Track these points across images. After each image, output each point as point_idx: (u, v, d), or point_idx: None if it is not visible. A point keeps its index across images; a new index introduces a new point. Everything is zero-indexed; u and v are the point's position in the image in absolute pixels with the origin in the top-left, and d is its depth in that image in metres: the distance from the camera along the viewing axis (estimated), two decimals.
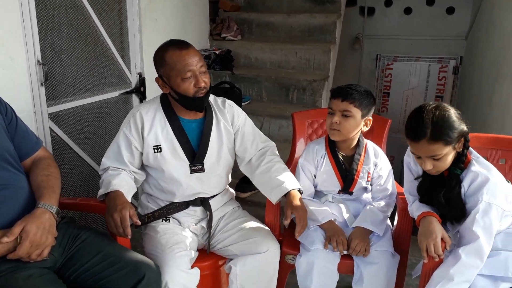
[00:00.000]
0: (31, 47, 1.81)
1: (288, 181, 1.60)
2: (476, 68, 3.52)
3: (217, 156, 1.68)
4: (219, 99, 1.74)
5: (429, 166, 1.39)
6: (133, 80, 2.55)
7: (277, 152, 1.78)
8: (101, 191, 1.51)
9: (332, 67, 3.37)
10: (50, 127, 2.00)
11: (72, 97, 2.13)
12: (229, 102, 1.75)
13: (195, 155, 1.63)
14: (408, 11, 4.28)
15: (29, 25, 1.78)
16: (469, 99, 3.69)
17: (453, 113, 1.38)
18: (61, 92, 2.06)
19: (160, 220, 1.67)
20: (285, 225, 1.52)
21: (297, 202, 1.54)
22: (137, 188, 1.66)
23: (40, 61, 1.86)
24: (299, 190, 1.60)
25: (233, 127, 1.71)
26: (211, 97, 1.72)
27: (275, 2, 3.82)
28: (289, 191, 1.57)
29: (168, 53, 1.51)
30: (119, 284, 1.29)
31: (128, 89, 2.51)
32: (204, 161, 1.64)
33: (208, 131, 1.65)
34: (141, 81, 2.57)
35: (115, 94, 2.42)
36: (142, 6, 2.52)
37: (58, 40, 2.01)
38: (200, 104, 1.59)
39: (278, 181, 1.60)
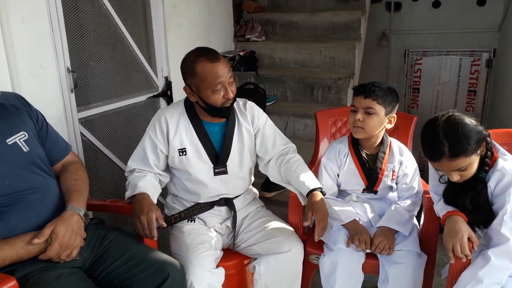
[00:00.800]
0: (60, 55, 1.88)
1: (309, 180, 1.60)
2: (511, 61, 3.38)
3: (239, 158, 1.70)
4: (241, 101, 1.76)
5: (456, 177, 1.34)
6: (160, 84, 2.61)
7: (297, 153, 1.77)
8: (128, 193, 1.56)
9: (358, 65, 3.32)
10: (81, 132, 2.08)
11: (101, 102, 2.21)
12: (250, 103, 1.77)
13: (218, 158, 1.65)
14: (436, 4, 4.15)
15: (58, 34, 1.86)
16: (503, 92, 3.55)
17: (467, 121, 1.32)
18: (90, 97, 2.14)
19: (186, 220, 1.70)
20: (305, 226, 1.51)
21: (318, 203, 1.53)
22: (162, 189, 1.70)
23: (70, 68, 1.94)
24: (321, 191, 1.59)
25: (253, 127, 1.72)
26: None
27: (299, 1, 3.81)
28: (310, 192, 1.56)
29: (199, 65, 1.51)
30: (144, 283, 1.32)
31: (155, 93, 2.57)
32: (227, 164, 1.67)
33: (230, 134, 1.67)
34: (168, 84, 2.63)
35: (142, 98, 2.48)
36: (167, 11, 2.57)
37: (86, 48, 2.09)
38: (226, 112, 1.62)
39: (299, 181, 1.60)
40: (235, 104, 1.72)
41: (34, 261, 1.25)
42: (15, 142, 1.31)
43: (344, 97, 3.04)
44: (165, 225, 1.45)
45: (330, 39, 3.43)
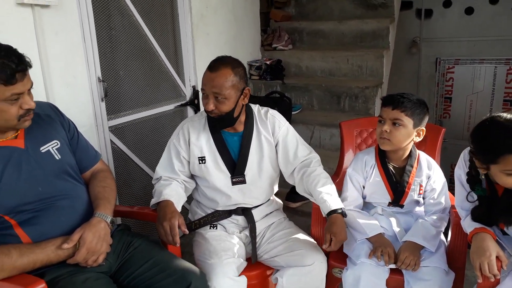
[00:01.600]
0: (92, 65, 1.96)
1: (330, 199, 1.56)
2: None
3: (258, 168, 1.71)
4: (263, 110, 1.76)
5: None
6: (187, 93, 2.66)
7: (320, 164, 1.74)
8: (153, 201, 1.60)
9: (386, 73, 3.27)
10: (110, 139, 2.15)
11: (130, 111, 2.27)
12: (271, 112, 1.76)
13: (235, 167, 1.67)
14: (469, 10, 4.04)
15: (89, 45, 1.93)
16: None
17: None
18: (120, 106, 2.21)
19: (208, 227, 1.72)
20: (325, 249, 1.49)
21: (337, 227, 1.49)
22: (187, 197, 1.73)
23: (101, 78, 2.01)
24: (342, 213, 1.55)
25: (273, 137, 1.72)
26: (255, 108, 1.75)
27: (326, 9, 3.79)
28: (331, 212, 1.54)
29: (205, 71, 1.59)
30: None
31: (183, 102, 2.63)
32: (245, 173, 1.68)
33: (247, 143, 1.69)
34: (195, 93, 2.68)
35: (170, 107, 2.54)
36: (194, 21, 2.62)
37: (116, 58, 2.16)
38: (210, 123, 1.64)
39: (320, 199, 1.57)
40: (256, 113, 1.73)
41: (63, 264, 1.29)
42: (48, 150, 1.37)
43: (371, 106, 3.00)
44: (187, 231, 1.48)
45: (357, 48, 3.39)
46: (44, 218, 1.31)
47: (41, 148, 1.36)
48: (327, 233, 1.49)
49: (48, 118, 1.43)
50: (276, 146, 1.73)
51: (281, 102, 2.95)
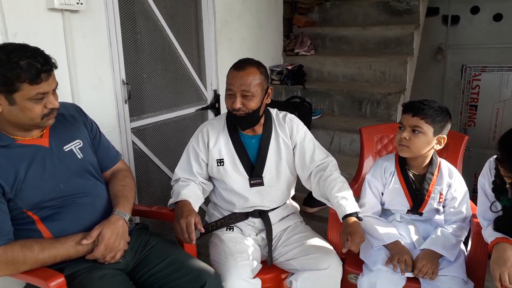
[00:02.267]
0: (117, 68, 2.01)
1: (346, 203, 1.55)
2: None
3: (276, 170, 1.72)
4: (281, 114, 1.78)
5: None
6: (209, 96, 2.70)
7: (336, 168, 1.73)
8: (171, 201, 1.63)
9: (409, 80, 3.22)
10: (132, 141, 2.19)
11: (152, 113, 2.32)
12: (289, 116, 1.78)
13: (254, 169, 1.68)
14: (497, 17, 3.95)
15: (115, 49, 1.99)
16: None
17: None
18: (143, 108, 2.26)
19: (225, 228, 1.74)
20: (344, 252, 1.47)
21: (352, 226, 1.47)
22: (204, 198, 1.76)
23: (125, 80, 2.06)
24: (358, 217, 1.53)
25: (291, 140, 1.73)
26: (274, 112, 1.77)
27: (350, 15, 3.78)
28: (346, 216, 1.53)
29: (229, 70, 1.63)
30: None
31: (204, 105, 2.66)
32: (263, 175, 1.69)
33: (266, 145, 1.70)
34: (216, 97, 2.71)
35: (192, 110, 2.58)
36: (218, 27, 2.66)
37: (140, 62, 2.21)
38: (237, 122, 1.66)
39: (336, 203, 1.56)
40: (275, 116, 1.75)
41: (82, 260, 1.33)
42: (71, 149, 1.42)
43: (394, 113, 2.96)
44: (203, 230, 1.49)
45: (381, 54, 3.37)
46: (65, 215, 1.35)
47: (65, 147, 1.40)
48: (343, 234, 1.48)
49: (72, 118, 1.48)
50: (293, 149, 1.74)
51: (301, 107, 2.95)
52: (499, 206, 1.41)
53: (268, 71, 3.35)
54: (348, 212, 1.52)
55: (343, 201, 1.55)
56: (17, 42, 1.27)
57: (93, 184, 1.45)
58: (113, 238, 1.34)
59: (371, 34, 3.46)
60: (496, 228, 1.40)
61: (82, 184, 1.41)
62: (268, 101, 1.68)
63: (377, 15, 3.66)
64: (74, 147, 1.42)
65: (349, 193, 1.60)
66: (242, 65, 1.60)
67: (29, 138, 1.33)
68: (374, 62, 3.22)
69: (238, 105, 1.58)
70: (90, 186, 1.44)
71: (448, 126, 1.57)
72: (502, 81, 3.99)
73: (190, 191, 1.64)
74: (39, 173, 1.31)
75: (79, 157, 1.43)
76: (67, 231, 1.33)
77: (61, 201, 1.35)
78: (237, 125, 1.68)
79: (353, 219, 1.51)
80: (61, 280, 1.19)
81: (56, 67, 1.28)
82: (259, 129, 1.70)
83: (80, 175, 1.41)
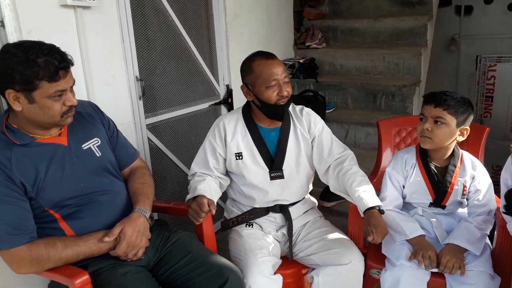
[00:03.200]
0: (130, 64, 2.00)
1: (367, 197, 1.52)
2: None
3: (296, 163, 1.70)
4: (297, 107, 1.76)
5: None
6: (221, 91, 2.68)
7: (355, 162, 1.70)
8: (189, 196, 1.61)
9: (424, 72, 3.17)
10: (148, 137, 2.19)
11: (166, 109, 2.31)
12: (306, 110, 1.76)
13: (273, 162, 1.66)
14: None
15: (128, 45, 1.98)
16: None
17: None
18: (157, 104, 2.25)
19: (244, 224, 1.72)
20: (369, 241, 1.45)
21: (375, 219, 1.45)
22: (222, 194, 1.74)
23: (138, 77, 2.05)
24: (379, 210, 1.50)
25: (309, 134, 1.71)
26: (290, 105, 1.74)
27: (361, 7, 3.72)
28: (368, 209, 1.50)
29: (255, 62, 1.59)
30: (204, 285, 1.36)
31: (217, 101, 2.65)
32: (283, 168, 1.67)
33: (285, 138, 1.68)
34: (229, 92, 2.69)
35: (205, 105, 2.56)
36: (229, 21, 2.64)
37: (153, 58, 2.20)
38: (281, 112, 1.63)
39: (357, 197, 1.54)
40: (291, 110, 1.73)
41: (105, 257, 1.33)
42: (90, 147, 1.41)
43: (409, 105, 2.91)
44: (213, 211, 1.46)
45: (394, 45, 3.32)
46: (86, 212, 1.35)
47: (83, 145, 1.40)
48: (366, 226, 1.46)
49: (89, 117, 1.47)
50: (311, 143, 1.72)
51: (314, 101, 2.92)
52: None
53: None
54: (370, 205, 1.50)
55: (364, 194, 1.53)
56: (31, 39, 1.26)
57: (112, 182, 1.44)
58: (135, 236, 1.33)
59: (383, 26, 3.41)
60: (507, 203, 1.35)
61: (101, 182, 1.41)
62: None
63: (389, 7, 3.60)
64: (93, 145, 1.42)
65: (369, 187, 1.57)
66: (270, 54, 1.62)
67: (48, 136, 1.32)
68: (388, 54, 3.17)
69: (287, 92, 1.59)
70: (109, 184, 1.43)
71: (471, 118, 1.54)
72: None
73: (206, 186, 1.62)
74: (59, 172, 1.30)
75: (98, 155, 1.42)
76: (89, 228, 1.33)
77: (81, 200, 1.34)
78: (276, 116, 1.64)
79: (375, 211, 1.48)
80: (85, 277, 1.19)
81: (72, 64, 1.27)
82: (277, 121, 1.68)
83: (99, 174, 1.41)
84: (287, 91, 1.59)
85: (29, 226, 1.22)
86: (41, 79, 1.18)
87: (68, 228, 1.31)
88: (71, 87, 1.29)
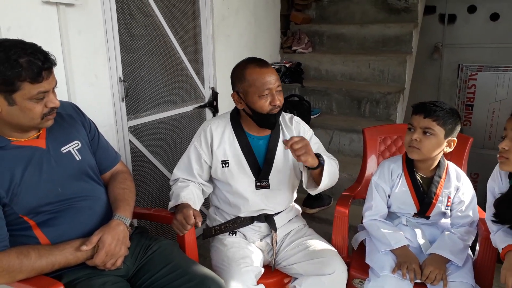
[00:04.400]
0: (113, 65, 1.94)
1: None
2: None
3: (282, 173, 1.67)
4: (287, 116, 1.74)
5: None
6: (207, 94, 2.64)
7: (337, 167, 1.71)
8: (171, 203, 1.57)
9: (408, 79, 3.20)
10: (129, 140, 2.13)
11: (150, 111, 2.25)
12: (296, 119, 1.74)
13: (260, 171, 1.64)
14: (494, 17, 3.95)
15: (112, 44, 1.92)
16: None
17: None
18: (140, 106, 2.19)
19: (227, 233, 1.69)
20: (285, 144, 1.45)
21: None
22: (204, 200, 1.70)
23: (122, 78, 1.99)
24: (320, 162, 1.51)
25: None
26: None
27: (348, 13, 3.74)
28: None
29: (248, 70, 1.55)
30: None
31: (202, 103, 2.60)
32: (270, 178, 1.64)
33: (274, 147, 1.65)
34: (214, 95, 2.65)
35: (189, 108, 2.51)
36: (216, 23, 2.60)
37: (137, 58, 2.14)
38: (273, 121, 1.60)
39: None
40: (281, 118, 1.70)
41: (81, 267, 1.28)
42: (69, 150, 1.35)
43: (393, 112, 2.93)
44: (200, 224, 1.43)
45: (380, 52, 3.34)
46: (63, 219, 1.29)
47: (62, 149, 1.34)
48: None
49: (69, 118, 1.42)
50: None
51: (300, 106, 2.91)
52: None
53: None
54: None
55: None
56: (11, 37, 1.21)
57: (92, 187, 1.39)
58: (114, 244, 1.28)
59: (369, 32, 3.43)
60: (496, 215, 1.37)
61: (81, 187, 1.35)
62: None
63: (375, 13, 3.63)
64: (72, 148, 1.36)
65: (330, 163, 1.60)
66: (264, 62, 1.58)
67: (25, 139, 1.26)
68: (373, 60, 3.19)
69: (279, 101, 1.55)
70: (89, 189, 1.38)
71: (458, 129, 1.55)
72: (498, 80, 4.01)
73: (190, 193, 1.58)
74: (35, 176, 1.24)
75: (77, 159, 1.36)
76: (65, 236, 1.28)
77: (58, 206, 1.28)
78: (268, 124, 1.61)
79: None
80: None
81: (55, 64, 1.22)
82: (265, 130, 1.65)
83: (78, 178, 1.35)
84: (280, 100, 1.56)
85: (1, 234, 1.16)
86: (23, 80, 1.13)
87: (42, 236, 1.25)
88: (53, 88, 1.24)
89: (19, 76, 1.12)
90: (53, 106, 1.23)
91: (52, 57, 1.21)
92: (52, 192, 1.27)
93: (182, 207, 1.50)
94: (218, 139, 1.64)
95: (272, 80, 1.53)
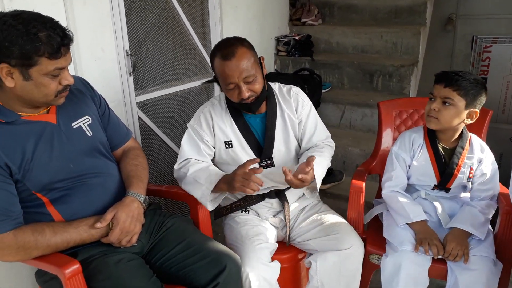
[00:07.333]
0: (120, 38, 1.88)
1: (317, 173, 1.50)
2: None
3: (285, 149, 1.63)
4: (285, 88, 1.67)
5: None
6: None
7: (331, 150, 1.69)
8: (206, 191, 1.45)
9: (422, 52, 3.10)
10: (138, 115, 2.09)
11: (157, 86, 2.21)
12: (294, 90, 1.67)
13: (262, 151, 1.59)
14: None
15: (118, 16, 1.85)
16: None
17: None
18: (147, 82, 2.14)
19: (240, 211, 1.66)
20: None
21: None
22: None
23: (128, 51, 1.94)
24: None
25: (297, 115, 1.63)
26: (276, 86, 1.67)
27: None
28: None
29: (215, 60, 1.46)
30: (201, 273, 1.30)
31: (210, 78, 2.54)
32: (273, 155, 1.60)
33: (272, 124, 1.60)
34: None
35: (197, 83, 2.46)
36: None
37: (144, 31, 2.08)
38: (247, 109, 1.54)
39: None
40: (278, 92, 1.65)
41: (96, 244, 1.26)
42: (80, 126, 1.31)
43: (406, 85, 2.85)
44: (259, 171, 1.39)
45: (392, 24, 3.22)
46: (75, 196, 1.27)
47: (73, 124, 1.30)
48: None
49: (79, 93, 1.37)
50: (298, 125, 1.65)
51: (310, 80, 2.83)
52: None
53: (274, 42, 3.22)
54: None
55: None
56: (14, 8, 1.15)
57: (104, 163, 1.36)
58: (129, 221, 1.26)
59: (382, 3, 3.30)
60: None
61: (93, 163, 1.32)
62: (265, 71, 1.55)
63: None
64: (83, 123, 1.32)
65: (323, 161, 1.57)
66: (229, 51, 1.41)
67: (35, 114, 1.22)
68: (386, 32, 3.08)
69: (246, 94, 1.45)
70: (101, 166, 1.34)
71: (483, 101, 1.48)
72: None
73: (214, 169, 1.55)
74: (47, 152, 1.21)
75: (89, 134, 1.33)
76: (78, 214, 1.25)
77: (71, 182, 1.25)
78: (247, 111, 1.56)
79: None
80: (76, 266, 1.11)
81: (73, 41, 1.17)
82: (262, 107, 1.59)
83: (90, 154, 1.32)
84: (252, 90, 1.45)
85: (15, 211, 1.14)
86: (41, 55, 1.09)
87: (56, 213, 1.23)
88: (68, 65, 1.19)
89: (37, 51, 1.08)
90: (67, 83, 1.19)
91: (70, 33, 1.16)
92: (64, 169, 1.24)
93: (222, 180, 1.45)
94: (218, 120, 1.58)
95: (235, 73, 1.41)
